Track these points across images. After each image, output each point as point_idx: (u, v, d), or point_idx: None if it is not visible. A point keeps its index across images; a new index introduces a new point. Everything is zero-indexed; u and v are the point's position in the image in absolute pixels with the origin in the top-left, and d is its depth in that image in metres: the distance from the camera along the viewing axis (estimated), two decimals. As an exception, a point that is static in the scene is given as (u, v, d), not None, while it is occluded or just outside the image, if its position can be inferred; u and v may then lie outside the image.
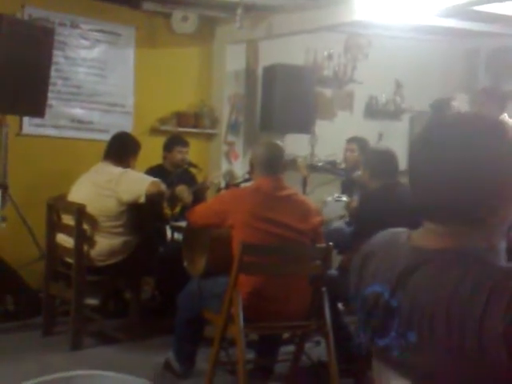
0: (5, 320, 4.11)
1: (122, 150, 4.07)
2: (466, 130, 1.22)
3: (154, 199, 3.84)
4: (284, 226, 3.09)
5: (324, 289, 3.14)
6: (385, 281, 1.28)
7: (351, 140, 5.01)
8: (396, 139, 6.53)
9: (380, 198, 3.50)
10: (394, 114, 6.81)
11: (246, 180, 4.09)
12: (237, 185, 4.25)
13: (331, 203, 4.56)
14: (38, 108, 4.33)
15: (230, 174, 5.27)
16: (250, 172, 3.43)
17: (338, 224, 4.72)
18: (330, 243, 3.19)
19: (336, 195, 4.64)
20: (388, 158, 3.66)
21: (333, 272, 3.59)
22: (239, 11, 5.06)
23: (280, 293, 3.07)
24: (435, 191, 1.22)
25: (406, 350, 1.21)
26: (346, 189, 4.90)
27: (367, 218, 3.43)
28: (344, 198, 4.58)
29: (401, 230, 1.36)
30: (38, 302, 4.17)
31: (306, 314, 3.16)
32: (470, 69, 6.88)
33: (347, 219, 4.61)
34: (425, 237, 1.28)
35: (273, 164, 3.25)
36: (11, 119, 4.52)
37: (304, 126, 5.92)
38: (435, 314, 1.16)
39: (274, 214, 3.09)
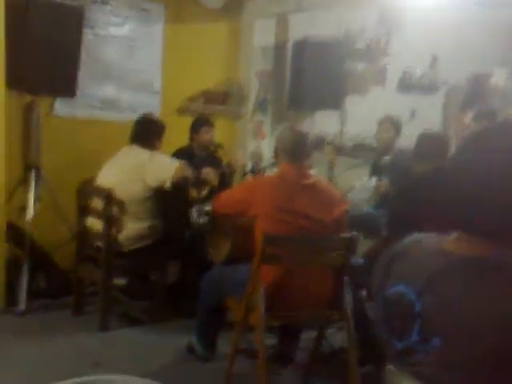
0: (37, 297, 4.36)
1: (146, 132, 4.19)
2: None
3: (179, 184, 3.99)
4: (307, 217, 3.15)
5: (346, 278, 3.23)
6: (411, 282, 1.30)
7: (385, 120, 4.94)
8: (430, 114, 6.51)
9: (428, 182, 3.46)
10: (429, 88, 6.73)
11: (273, 164, 4.17)
12: (262, 169, 4.35)
13: (359, 188, 4.61)
14: (68, 88, 4.44)
15: (256, 155, 5.38)
16: (275, 156, 3.49)
17: (366, 208, 4.80)
18: (354, 233, 3.26)
19: (365, 179, 4.67)
20: (441, 141, 3.70)
21: (358, 260, 3.67)
22: (269, -15, 5.06)
23: (302, 283, 3.17)
24: (478, 205, 1.23)
25: (429, 354, 1.25)
26: (375, 171, 4.89)
27: (408, 204, 3.46)
28: (373, 183, 4.63)
29: (432, 235, 1.39)
30: (68, 281, 4.41)
31: (327, 303, 3.26)
32: (510, 41, 6.78)
33: (374, 203, 4.67)
34: (458, 243, 1.29)
35: (297, 152, 3.31)
36: (42, 100, 4.66)
37: (334, 102, 5.85)
38: (483, 324, 1.17)
39: (296, 205, 3.15)
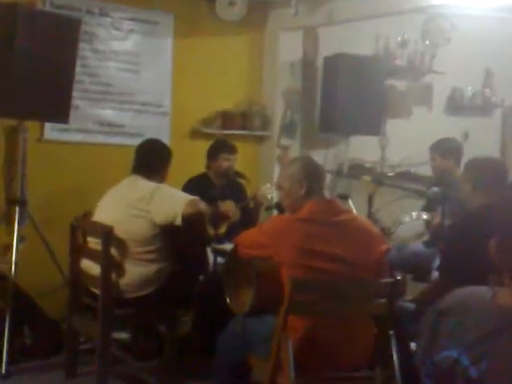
0: (22, 356, 4.19)
1: (152, 160, 4.09)
2: None
3: (192, 220, 3.84)
4: (340, 260, 3.04)
5: (391, 332, 3.07)
6: (463, 345, 1.26)
7: (431, 148, 4.96)
8: (486, 138, 6.43)
9: (484, 219, 3.37)
10: (483, 109, 6.65)
11: (278, 207, 4.06)
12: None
13: (409, 224, 4.48)
14: (61, 112, 4.39)
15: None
16: (284, 197, 3.36)
17: (415, 245, 4.65)
18: (399, 276, 3.16)
19: (415, 213, 4.55)
20: (497, 170, 3.56)
21: (408, 305, 3.54)
22: (295, -6, 5.04)
23: (338, 337, 3.04)
24: None
25: None
26: (428, 205, 4.79)
27: (463, 247, 3.31)
28: (425, 216, 4.49)
29: (484, 288, 1.35)
30: (59, 335, 4.27)
31: (369, 361, 3.12)
32: None
33: (426, 239, 4.52)
34: None
35: (319, 182, 3.23)
36: (30, 123, 4.59)
37: (372, 126, 5.84)
38: None
39: (327, 247, 3.03)
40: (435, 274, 4.41)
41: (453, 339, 1.30)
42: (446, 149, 4.89)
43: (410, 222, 4.41)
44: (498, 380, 1.19)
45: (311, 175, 3.22)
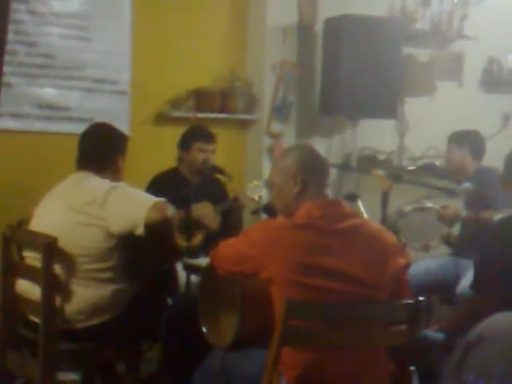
0: None
1: (99, 150, 4.08)
2: None
3: (157, 229, 3.84)
4: (347, 276, 3.06)
5: (413, 367, 3.10)
6: (493, 378, 1.35)
7: (450, 138, 5.15)
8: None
9: None
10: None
11: (268, 209, 4.10)
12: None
13: (413, 216, 4.58)
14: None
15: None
16: (275, 197, 3.39)
17: (428, 260, 4.77)
18: (421, 298, 3.16)
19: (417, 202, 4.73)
20: None
21: (435, 335, 3.60)
22: None
23: (344, 375, 3.05)
24: None
25: None
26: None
27: (505, 255, 3.36)
28: (429, 204, 4.62)
29: None
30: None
31: None
32: None
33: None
34: None
35: (319, 178, 3.25)
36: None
37: (387, 107, 5.91)
38: None
39: (329, 260, 3.05)
40: (460, 291, 4.47)
41: (484, 375, 1.33)
42: (463, 138, 5.10)
43: (413, 213, 4.49)
44: None
45: (309, 169, 3.24)
